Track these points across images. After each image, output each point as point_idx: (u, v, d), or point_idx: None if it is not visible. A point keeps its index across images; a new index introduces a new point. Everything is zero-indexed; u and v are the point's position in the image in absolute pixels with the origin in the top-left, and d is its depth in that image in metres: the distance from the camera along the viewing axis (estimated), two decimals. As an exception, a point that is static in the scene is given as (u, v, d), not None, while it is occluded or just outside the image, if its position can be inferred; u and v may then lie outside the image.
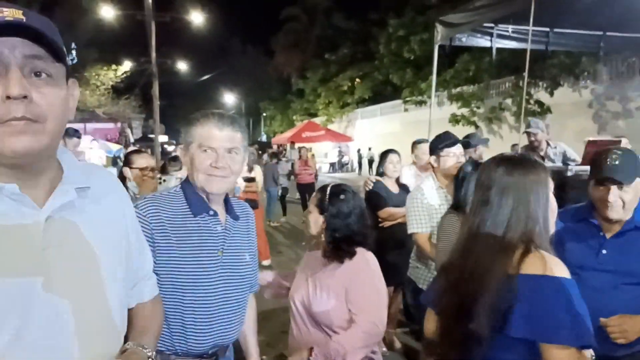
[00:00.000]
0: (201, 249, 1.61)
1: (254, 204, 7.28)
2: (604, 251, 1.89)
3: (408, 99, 18.28)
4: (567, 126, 12.62)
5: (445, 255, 3.09)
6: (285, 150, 23.82)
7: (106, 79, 22.05)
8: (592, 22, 6.28)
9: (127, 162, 3.41)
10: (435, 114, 18.60)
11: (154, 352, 1.15)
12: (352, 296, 2.00)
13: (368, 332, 1.97)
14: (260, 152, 21.41)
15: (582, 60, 11.42)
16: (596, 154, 1.99)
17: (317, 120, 28.07)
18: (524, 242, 1.44)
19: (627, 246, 1.90)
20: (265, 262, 7.31)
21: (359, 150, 25.23)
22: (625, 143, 5.94)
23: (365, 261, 2.08)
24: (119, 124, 23.78)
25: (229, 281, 1.68)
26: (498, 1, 4.88)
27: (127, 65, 22.61)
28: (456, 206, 3.19)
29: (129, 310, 1.19)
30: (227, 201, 1.74)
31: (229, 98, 51.00)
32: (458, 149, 3.54)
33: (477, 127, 14.95)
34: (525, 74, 5.19)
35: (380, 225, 4.43)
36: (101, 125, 23.41)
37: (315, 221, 2.18)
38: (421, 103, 17.82)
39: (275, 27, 36.98)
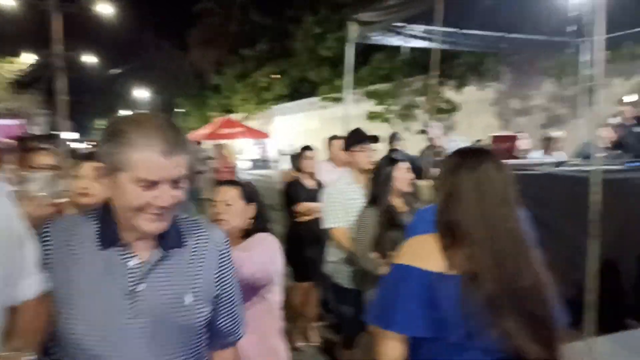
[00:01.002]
0: (104, 288, 1.26)
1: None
2: None
3: (326, 96, 18.46)
4: (474, 123, 13.33)
5: (365, 249, 3.17)
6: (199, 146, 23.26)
7: (5, 72, 20.45)
8: (494, 24, 6.65)
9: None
10: (353, 110, 18.87)
11: (36, 355, 1.08)
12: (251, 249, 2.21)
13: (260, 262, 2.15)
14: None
15: (486, 60, 12.07)
16: None
17: (235, 116, 27.68)
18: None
19: None
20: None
21: (278, 148, 25.16)
22: (525, 137, 6.37)
23: (270, 238, 2.34)
24: (21, 120, 22.12)
25: (155, 335, 1.28)
26: (407, 1, 5.03)
27: (31, 58, 21.08)
28: (373, 200, 3.27)
29: (14, 307, 1.12)
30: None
31: (142, 94, 48.95)
32: (370, 145, 3.63)
33: (392, 124, 15.40)
34: (432, 73, 5.39)
35: (296, 220, 4.46)
36: (1, 122, 21.64)
37: (242, 211, 2.28)
38: (339, 100, 18.06)
39: (191, 21, 35.99)
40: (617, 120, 6.19)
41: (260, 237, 2.29)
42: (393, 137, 6.86)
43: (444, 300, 1.39)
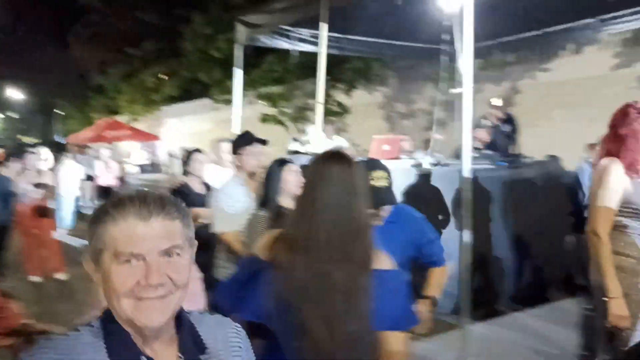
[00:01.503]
0: None
1: (44, 212, 6.53)
2: None
3: (217, 97, 18.15)
4: (364, 125, 13.82)
5: (257, 253, 3.16)
6: (85, 150, 21.82)
7: None
8: (379, 31, 6.97)
9: None
10: (246, 112, 18.68)
11: None
12: None
13: None
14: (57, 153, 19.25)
15: (374, 65, 12.57)
16: None
17: (120, 118, 26.31)
18: (365, 239, 1.51)
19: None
20: (60, 276, 6.62)
21: (169, 151, 24.30)
22: (405, 139, 6.73)
23: None
24: None
25: None
26: (293, 5, 5.11)
27: None
28: (263, 203, 3.27)
29: None
30: (181, 320, 1.08)
31: (15, 94, 44.90)
32: (259, 147, 3.63)
33: (286, 126, 15.50)
34: (320, 78, 5.53)
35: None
36: None
37: None
38: (231, 102, 17.80)
39: (72, 18, 33.65)
40: (487, 122, 6.75)
41: None
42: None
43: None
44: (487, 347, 4.23)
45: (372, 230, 1.53)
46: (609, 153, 2.61)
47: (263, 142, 3.71)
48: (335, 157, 1.57)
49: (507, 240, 5.30)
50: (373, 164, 2.29)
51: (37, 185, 6.44)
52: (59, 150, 21.41)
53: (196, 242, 1.07)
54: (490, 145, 6.58)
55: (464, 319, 3.74)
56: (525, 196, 5.38)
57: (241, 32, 5.88)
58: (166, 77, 24.16)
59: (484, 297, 4.92)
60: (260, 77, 15.35)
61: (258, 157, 3.58)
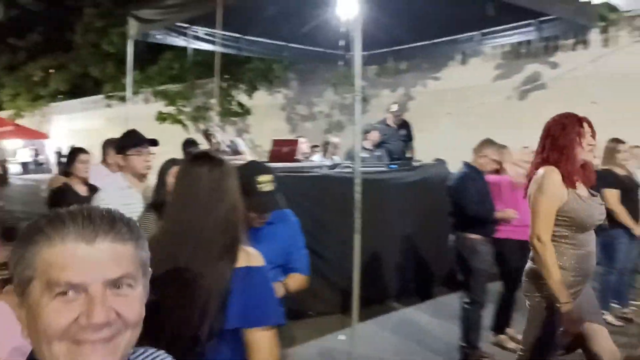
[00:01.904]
0: None
1: None
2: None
3: (111, 94, 17.23)
4: (265, 126, 13.82)
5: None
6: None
7: None
8: (277, 33, 6.99)
9: None
10: (142, 110, 17.93)
11: None
12: None
13: None
14: None
15: (274, 67, 12.60)
16: None
17: (4, 114, 24.15)
18: (230, 237, 1.50)
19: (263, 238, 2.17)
20: None
21: (57, 149, 22.68)
22: (303, 141, 6.81)
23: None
24: None
25: None
26: (188, 2, 4.98)
27: None
28: (155, 205, 3.15)
29: None
30: None
31: None
32: (147, 148, 3.49)
33: (184, 125, 15.07)
34: (217, 77, 5.44)
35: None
36: None
37: None
38: (126, 99, 16.99)
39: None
40: (382, 125, 7.04)
41: None
42: (188, 143, 6.45)
43: None
44: (375, 344, 4.38)
45: (240, 229, 1.55)
46: (546, 162, 2.63)
47: (152, 142, 3.56)
48: (203, 158, 1.60)
49: (396, 240, 5.54)
50: (258, 168, 2.29)
51: None
52: None
53: (151, 270, 0.87)
54: (384, 149, 6.87)
55: (353, 318, 3.84)
56: (412, 197, 5.66)
57: (133, 27, 5.62)
58: (53, 71, 22.53)
59: (373, 296, 5.11)
60: (157, 74, 14.81)
61: (146, 158, 3.44)
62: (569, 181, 2.58)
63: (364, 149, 6.29)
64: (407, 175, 5.83)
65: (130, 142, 3.44)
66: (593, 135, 2.63)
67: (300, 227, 2.51)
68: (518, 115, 9.51)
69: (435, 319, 4.99)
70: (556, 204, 2.56)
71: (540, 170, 2.63)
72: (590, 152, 2.66)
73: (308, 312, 5.05)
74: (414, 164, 6.40)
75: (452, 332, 4.24)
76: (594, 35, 9.35)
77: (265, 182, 2.20)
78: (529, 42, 9.52)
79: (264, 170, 2.28)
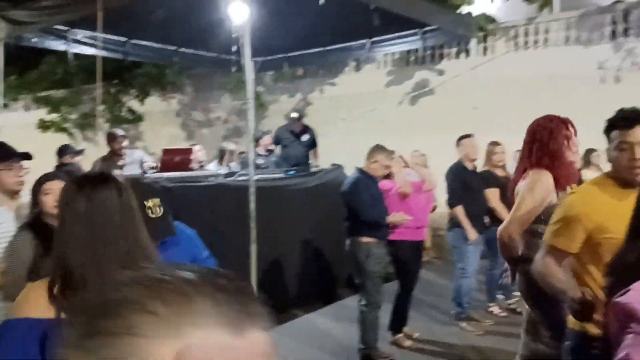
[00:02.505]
0: None
1: None
2: None
3: (-16, 101, 15.70)
4: (160, 133, 13.30)
5: (20, 280, 2.74)
6: None
7: None
8: (167, 37, 6.74)
9: None
10: (22, 119, 16.55)
11: None
12: None
13: None
14: None
15: (167, 72, 12.18)
16: None
17: None
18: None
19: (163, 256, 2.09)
20: None
21: None
22: (198, 149, 6.61)
23: None
24: None
25: None
26: (65, 4, 4.64)
27: None
28: (31, 225, 2.87)
29: None
30: None
31: None
32: (18, 162, 3.19)
33: (70, 134, 14.11)
34: (99, 82, 5.13)
35: None
36: None
37: None
38: (4, 106, 15.57)
39: None
40: (283, 131, 6.99)
41: None
42: (64, 150, 6.01)
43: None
44: (277, 353, 4.35)
45: (151, 249, 1.42)
46: (537, 166, 2.61)
47: (25, 155, 3.26)
48: (102, 180, 1.43)
49: (295, 246, 5.56)
50: (146, 191, 2.14)
51: None
52: None
53: None
54: (284, 154, 6.86)
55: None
56: (310, 203, 5.71)
57: (3, 29, 5.13)
58: None
59: (274, 304, 5.07)
60: (38, 79, 13.74)
61: (17, 173, 3.14)
62: (560, 185, 2.60)
63: (258, 155, 6.24)
64: (305, 181, 5.87)
65: (-3, 154, 3.13)
66: (575, 134, 2.65)
67: (196, 235, 2.40)
68: (409, 120, 9.98)
69: (337, 322, 5.05)
70: (542, 206, 2.57)
71: (533, 172, 2.61)
72: (577, 152, 2.69)
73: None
74: (312, 169, 6.46)
75: (353, 334, 4.30)
76: (474, 44, 10.06)
77: (154, 207, 2.06)
78: (416, 50, 10.04)
79: (151, 193, 2.12)
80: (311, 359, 4.31)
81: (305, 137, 7.02)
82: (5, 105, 16.05)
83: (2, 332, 1.31)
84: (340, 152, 7.54)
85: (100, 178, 1.44)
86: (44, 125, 13.63)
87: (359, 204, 4.03)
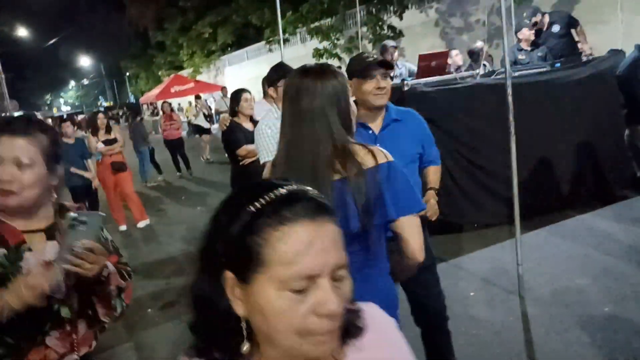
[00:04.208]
0: None
1: (120, 166, 7.05)
2: (378, 144, 2.18)
3: (271, 39, 18.13)
4: (420, 46, 13.37)
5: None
6: (156, 108, 22.78)
7: None
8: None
9: None
10: (299, 50, 18.58)
11: None
12: None
13: None
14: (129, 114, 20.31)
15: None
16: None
17: (184, 72, 26.99)
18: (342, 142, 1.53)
19: (392, 134, 2.34)
20: (142, 224, 7.19)
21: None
22: (455, 53, 6.50)
23: None
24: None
25: None
26: None
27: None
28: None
29: None
30: None
31: (85, 61, 46.94)
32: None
33: (340, 58, 15.32)
34: (358, 6, 5.40)
35: (242, 163, 4.55)
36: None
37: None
38: (285, 42, 17.75)
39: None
40: (528, 21, 6.29)
41: None
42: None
43: None
44: (544, 252, 4.24)
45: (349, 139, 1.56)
46: None
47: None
48: (312, 71, 1.60)
49: (562, 143, 5.15)
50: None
51: (107, 142, 6.94)
52: (131, 109, 22.54)
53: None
54: (536, 44, 6.24)
55: (516, 227, 3.73)
56: (580, 96, 5.15)
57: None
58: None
59: (542, 204, 4.90)
60: (309, 11, 15.13)
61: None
62: None
63: (519, 49, 5.81)
64: (574, 73, 5.28)
65: (278, 74, 3.68)
66: None
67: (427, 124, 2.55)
68: None
69: (617, 222, 4.60)
70: None
71: None
72: None
73: (472, 223, 5.03)
74: (583, 59, 5.75)
75: (637, 235, 3.88)
76: None
77: None
78: None
79: None
80: (584, 256, 4.07)
81: (555, 28, 6.23)
82: (286, 40, 18.30)
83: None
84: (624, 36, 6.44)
85: (318, 69, 1.62)
86: (318, 54, 15.05)
87: (638, 87, 3.49)
